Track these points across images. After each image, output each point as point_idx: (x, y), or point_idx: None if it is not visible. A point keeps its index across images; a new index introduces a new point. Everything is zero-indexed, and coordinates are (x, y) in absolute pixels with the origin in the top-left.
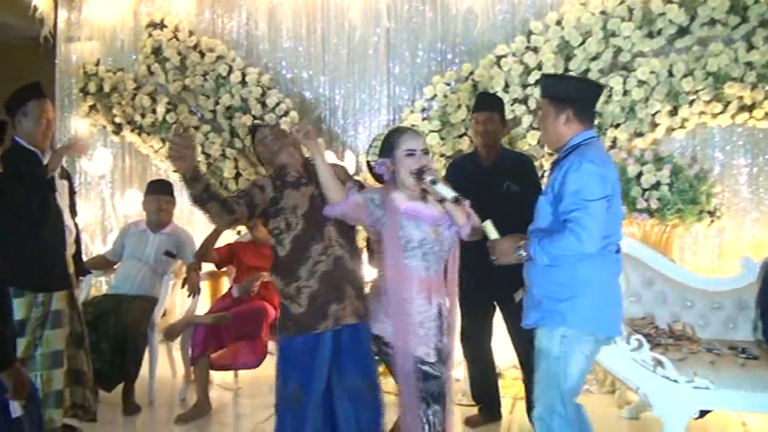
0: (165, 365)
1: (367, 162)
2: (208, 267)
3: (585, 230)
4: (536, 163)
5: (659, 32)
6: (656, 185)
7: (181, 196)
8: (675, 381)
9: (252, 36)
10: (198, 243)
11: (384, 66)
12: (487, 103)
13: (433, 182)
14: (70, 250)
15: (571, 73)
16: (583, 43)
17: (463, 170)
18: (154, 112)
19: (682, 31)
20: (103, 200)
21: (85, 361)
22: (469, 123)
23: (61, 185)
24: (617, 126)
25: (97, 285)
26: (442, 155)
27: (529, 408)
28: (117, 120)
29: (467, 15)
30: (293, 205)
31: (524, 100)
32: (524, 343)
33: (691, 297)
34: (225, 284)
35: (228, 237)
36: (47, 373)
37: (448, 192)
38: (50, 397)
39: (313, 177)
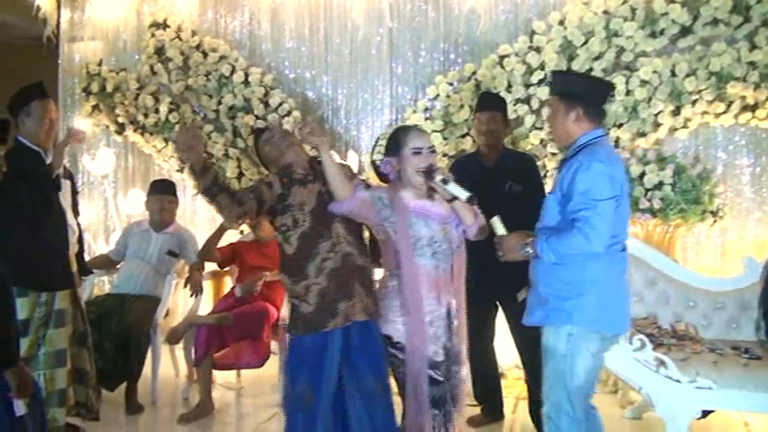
0: (168, 365)
1: (372, 161)
2: (210, 267)
3: (593, 230)
4: (539, 163)
5: (662, 32)
6: (659, 185)
7: (184, 195)
8: (678, 381)
9: (255, 36)
10: (201, 243)
11: (387, 66)
12: (489, 102)
13: (445, 182)
14: (73, 249)
15: None
16: (585, 42)
17: (465, 170)
18: (157, 111)
19: (685, 31)
20: (106, 200)
21: (88, 361)
22: (471, 123)
23: (64, 185)
24: (620, 126)
25: (100, 284)
26: (444, 155)
27: (532, 408)
28: (120, 120)
29: (470, 15)
30: (300, 202)
31: (527, 100)
32: (527, 343)
33: (693, 297)
34: (228, 284)
35: (231, 237)
36: (50, 372)
37: (461, 192)
38: (53, 396)
39: (319, 175)
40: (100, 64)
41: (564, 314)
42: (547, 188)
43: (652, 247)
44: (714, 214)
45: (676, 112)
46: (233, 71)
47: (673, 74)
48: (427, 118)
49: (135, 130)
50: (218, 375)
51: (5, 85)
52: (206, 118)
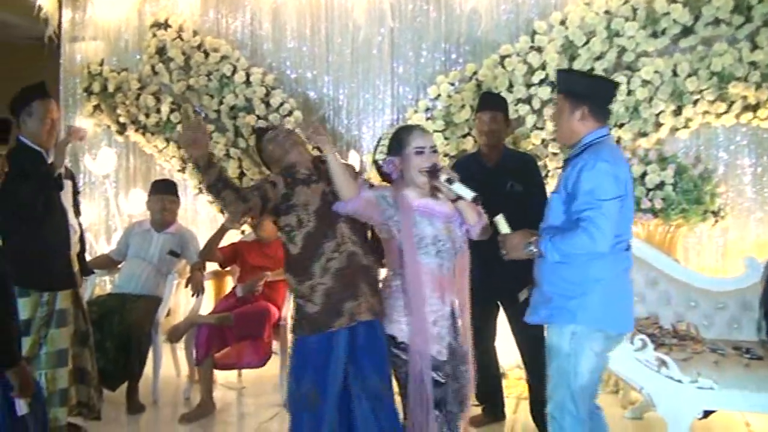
0: (169, 364)
1: (375, 160)
2: (212, 266)
3: (598, 229)
4: (540, 163)
5: (663, 32)
6: (660, 185)
7: (185, 195)
8: (679, 381)
9: (256, 36)
10: (202, 242)
11: (388, 66)
12: (490, 102)
13: (450, 181)
14: (75, 249)
15: None
16: (587, 42)
17: (466, 170)
18: (158, 111)
19: (687, 31)
20: (107, 200)
21: (89, 360)
22: (473, 123)
23: (66, 185)
24: (621, 126)
25: (102, 284)
26: (446, 155)
27: (533, 408)
28: (121, 120)
29: (471, 15)
30: (304, 202)
31: (528, 100)
32: (528, 343)
33: (695, 297)
34: (229, 284)
35: (232, 237)
36: (52, 371)
37: (466, 191)
38: (55, 396)
39: (323, 175)
40: (101, 64)
41: (568, 313)
42: (549, 188)
43: (653, 247)
44: (715, 214)
45: (678, 112)
46: (234, 71)
47: (675, 74)
48: (428, 118)
49: (136, 130)
50: (219, 375)
51: (6, 85)
52: (207, 118)
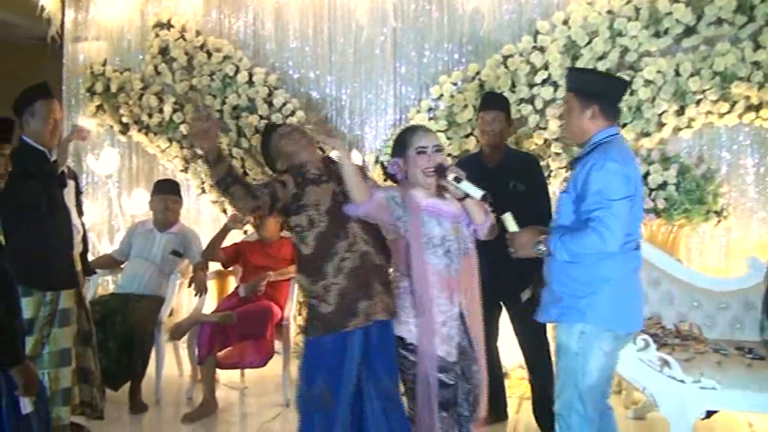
0: (172, 364)
1: (381, 162)
2: (214, 266)
3: (608, 230)
4: (542, 163)
5: (666, 32)
6: (663, 185)
7: (188, 195)
8: (681, 381)
9: (259, 36)
10: (205, 242)
11: (390, 66)
12: (493, 102)
13: (458, 180)
14: (78, 249)
15: None
16: (589, 42)
17: (468, 170)
18: (161, 111)
19: (689, 31)
20: (110, 200)
21: (92, 360)
22: (475, 123)
23: (68, 185)
24: (624, 126)
25: (104, 284)
26: (448, 155)
27: (535, 408)
28: (124, 120)
29: (474, 15)
30: (315, 202)
31: (531, 100)
32: (530, 343)
33: (697, 297)
34: (232, 283)
35: (235, 237)
36: (55, 371)
37: (474, 190)
38: (58, 395)
39: (333, 174)
40: (104, 64)
41: (577, 312)
42: (551, 188)
43: (656, 247)
44: (718, 214)
45: (680, 111)
46: (237, 71)
47: (677, 74)
48: (431, 118)
49: (139, 130)
50: (222, 374)
51: (9, 85)
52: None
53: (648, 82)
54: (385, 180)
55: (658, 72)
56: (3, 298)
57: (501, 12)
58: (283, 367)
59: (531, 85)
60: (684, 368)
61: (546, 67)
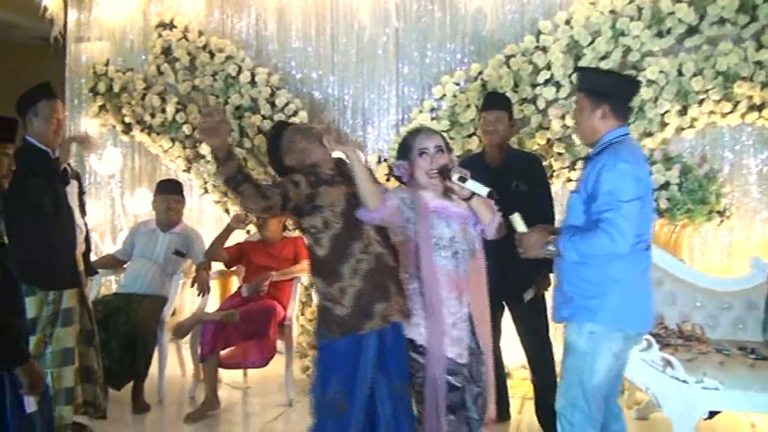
0: (174, 364)
1: (388, 166)
2: (217, 266)
3: (618, 231)
4: (545, 163)
5: (668, 31)
6: (665, 185)
7: (191, 195)
8: (684, 381)
9: (261, 36)
10: (207, 242)
11: (393, 66)
12: (495, 102)
13: (463, 179)
14: (80, 248)
15: None
16: (592, 42)
17: (471, 170)
18: (163, 111)
19: (692, 31)
20: (112, 200)
21: (95, 359)
22: (478, 123)
23: (71, 185)
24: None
25: (107, 284)
26: None
27: (538, 408)
28: (127, 120)
29: (476, 15)
30: (330, 203)
31: (533, 100)
32: (533, 344)
33: (700, 297)
34: (234, 283)
35: (237, 236)
36: (57, 370)
37: (480, 188)
38: (61, 395)
39: (345, 177)
40: (107, 64)
41: (588, 312)
42: (554, 188)
43: (658, 247)
44: (721, 214)
45: (683, 111)
46: (240, 71)
47: (680, 74)
48: (433, 118)
49: (142, 130)
50: (225, 374)
51: (12, 85)
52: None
53: (651, 82)
54: (387, 180)
55: (661, 72)
56: (7, 297)
57: (503, 12)
58: (286, 367)
59: (533, 85)
60: (687, 368)
61: (548, 67)
